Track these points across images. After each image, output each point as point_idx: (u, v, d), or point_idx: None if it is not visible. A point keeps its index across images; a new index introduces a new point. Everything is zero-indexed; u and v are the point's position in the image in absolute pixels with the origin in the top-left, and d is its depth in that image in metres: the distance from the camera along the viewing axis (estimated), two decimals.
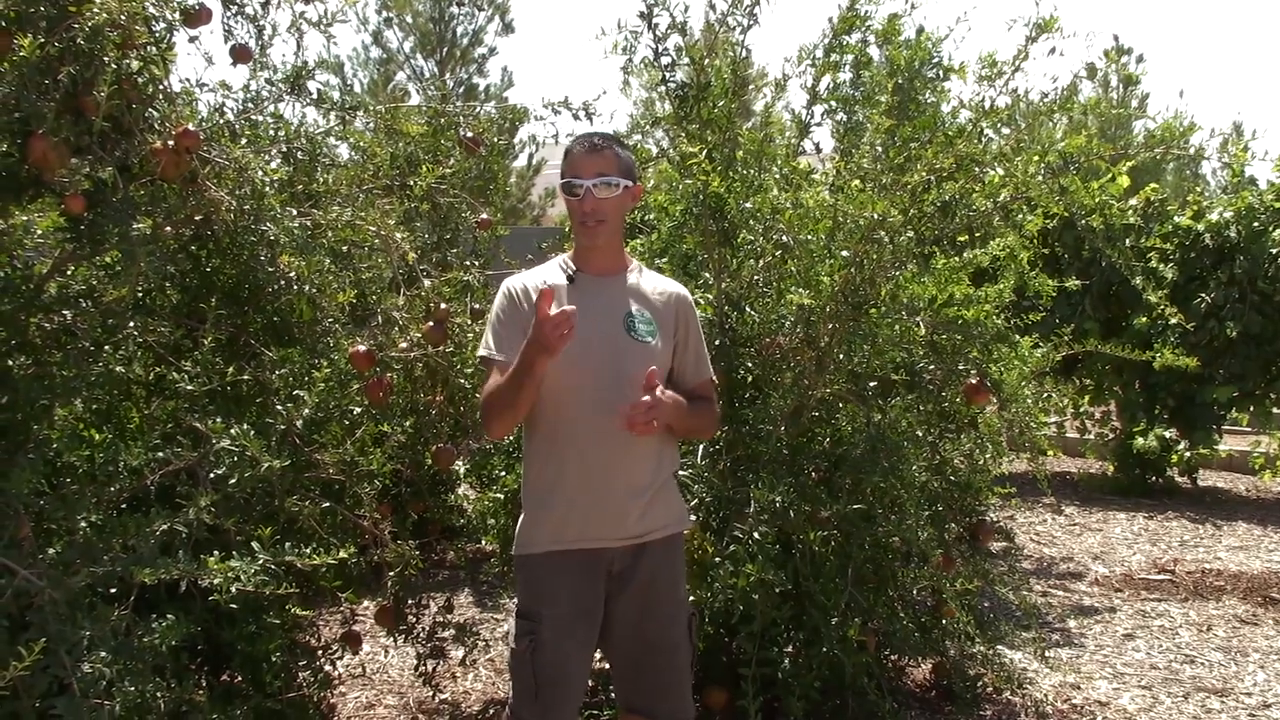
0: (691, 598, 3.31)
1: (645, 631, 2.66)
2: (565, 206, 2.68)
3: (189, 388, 2.75)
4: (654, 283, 2.73)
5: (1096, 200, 3.51)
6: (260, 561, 2.35)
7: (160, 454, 2.56)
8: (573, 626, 2.57)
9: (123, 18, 2.46)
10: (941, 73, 3.72)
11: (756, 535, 3.20)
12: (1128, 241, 7.83)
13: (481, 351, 2.66)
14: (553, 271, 2.68)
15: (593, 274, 2.65)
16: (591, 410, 2.54)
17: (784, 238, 3.56)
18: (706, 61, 3.60)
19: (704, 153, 3.46)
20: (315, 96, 3.23)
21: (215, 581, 2.29)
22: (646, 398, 2.42)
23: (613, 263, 2.68)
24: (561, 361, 2.55)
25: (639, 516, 2.59)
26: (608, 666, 2.94)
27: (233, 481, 2.58)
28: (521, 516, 2.68)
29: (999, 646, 3.96)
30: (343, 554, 2.49)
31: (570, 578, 2.58)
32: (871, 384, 3.70)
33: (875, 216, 3.26)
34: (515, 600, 2.66)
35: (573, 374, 2.54)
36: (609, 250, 2.67)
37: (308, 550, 2.44)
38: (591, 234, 2.60)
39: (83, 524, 2.38)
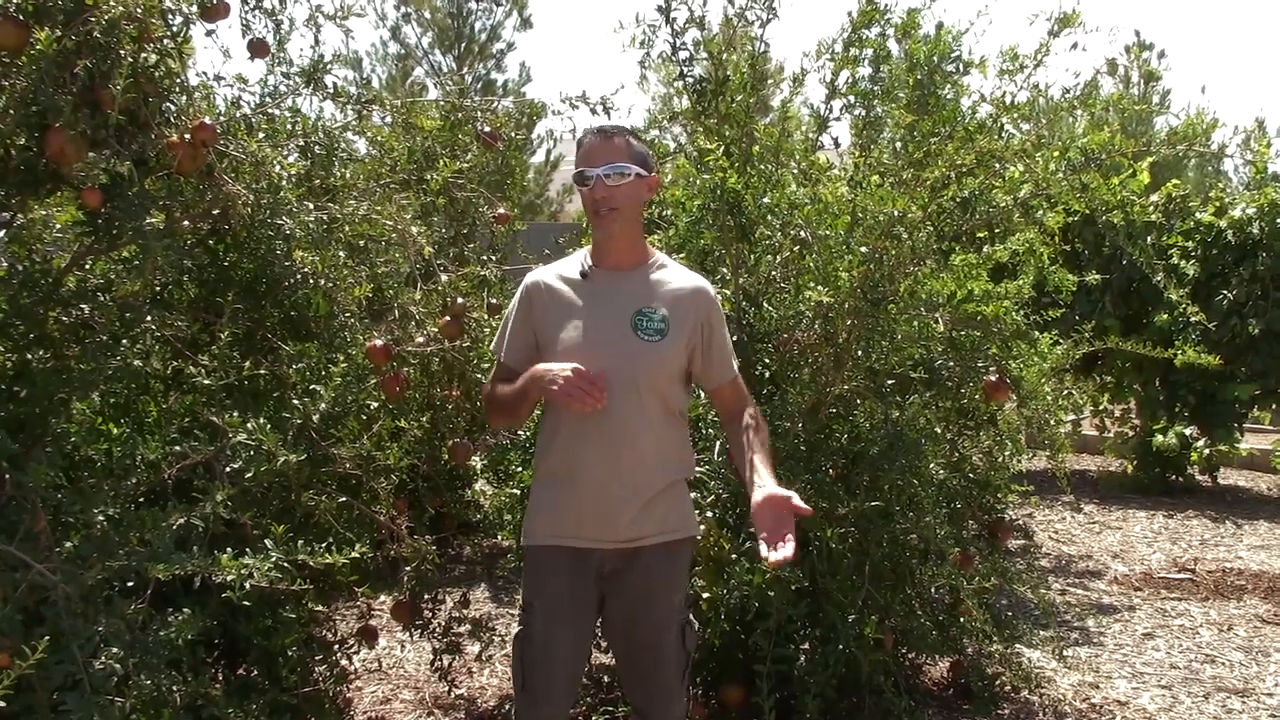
0: (707, 595, 3.31)
1: (636, 635, 2.65)
2: (581, 201, 2.65)
3: (206, 382, 2.75)
4: (675, 277, 2.64)
5: (1118, 197, 3.48)
6: (273, 559, 2.34)
7: (177, 448, 2.55)
8: (562, 620, 2.56)
9: (139, 11, 2.45)
10: (961, 67, 3.69)
11: None
12: (1149, 238, 7.77)
13: (492, 347, 2.67)
14: (571, 265, 2.65)
15: (608, 269, 2.61)
16: (593, 411, 2.50)
17: (802, 233, 3.54)
18: (724, 56, 3.58)
19: (721, 148, 3.44)
20: (332, 91, 3.22)
21: (229, 578, 2.29)
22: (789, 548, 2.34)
23: (630, 257, 2.62)
24: (566, 361, 2.54)
25: (630, 521, 2.54)
26: None
27: (249, 475, 2.58)
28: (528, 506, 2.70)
29: (1017, 645, 3.93)
30: (355, 553, 2.48)
31: (562, 572, 2.58)
32: (890, 380, 3.68)
33: (895, 212, 3.24)
34: None
35: None
36: (624, 242, 2.60)
37: (322, 547, 2.44)
38: (604, 223, 2.54)
39: (100, 518, 2.37)
